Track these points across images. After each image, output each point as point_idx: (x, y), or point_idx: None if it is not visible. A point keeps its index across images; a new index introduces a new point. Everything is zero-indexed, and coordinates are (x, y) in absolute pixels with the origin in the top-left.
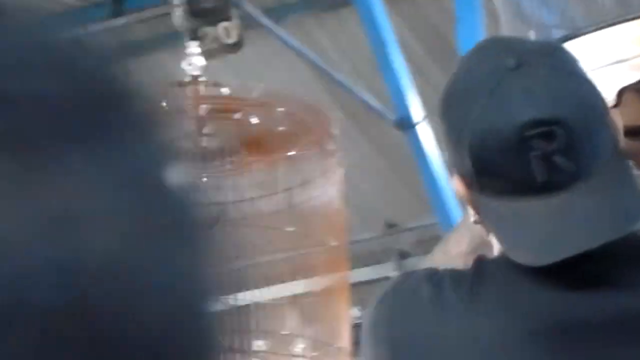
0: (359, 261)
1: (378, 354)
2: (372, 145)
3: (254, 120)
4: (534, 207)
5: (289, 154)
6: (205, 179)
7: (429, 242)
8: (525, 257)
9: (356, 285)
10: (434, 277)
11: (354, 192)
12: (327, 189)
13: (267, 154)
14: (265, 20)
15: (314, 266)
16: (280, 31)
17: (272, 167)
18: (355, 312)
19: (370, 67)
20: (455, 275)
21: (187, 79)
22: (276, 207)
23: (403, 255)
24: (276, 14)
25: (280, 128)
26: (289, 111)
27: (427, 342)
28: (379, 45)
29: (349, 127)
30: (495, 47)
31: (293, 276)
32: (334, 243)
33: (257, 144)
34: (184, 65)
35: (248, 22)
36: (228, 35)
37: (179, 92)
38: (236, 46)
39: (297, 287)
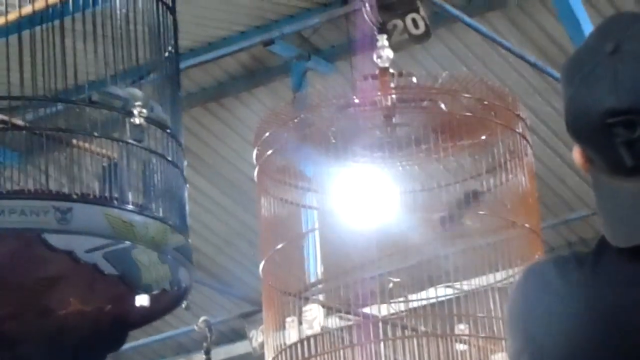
0: (565, 245)
1: (516, 339)
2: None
3: (443, 107)
4: (626, 188)
5: (479, 138)
6: (398, 168)
7: None
8: (616, 237)
9: None
10: (560, 259)
11: (570, 169)
12: (517, 171)
13: (457, 141)
14: (453, 10)
15: (509, 251)
16: (468, 19)
17: (462, 152)
18: None
19: (560, 51)
20: (578, 255)
21: (377, 71)
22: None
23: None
24: (462, 3)
25: (468, 113)
26: (477, 96)
27: (558, 319)
28: (574, 27)
29: (540, 109)
30: (607, 27)
31: (490, 262)
32: (527, 226)
33: (446, 130)
34: (374, 57)
35: (442, 15)
36: (416, 26)
37: (370, 84)
38: (424, 37)
39: (496, 273)
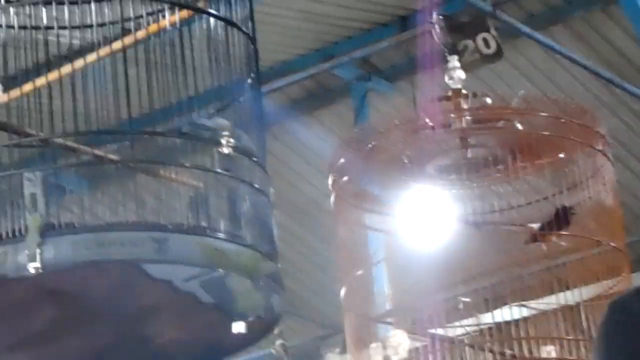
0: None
1: None
2: None
3: (519, 126)
4: None
5: (558, 157)
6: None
7: None
8: None
9: None
10: None
11: (622, 190)
12: (599, 188)
13: (535, 159)
14: (523, 27)
15: (593, 269)
16: (540, 36)
17: (541, 171)
18: None
19: (628, 63)
20: None
21: (449, 93)
22: (548, 212)
23: None
24: (533, 20)
25: (546, 132)
26: (554, 114)
27: None
28: None
29: (609, 124)
30: None
31: (575, 281)
32: (612, 244)
33: (523, 150)
34: (446, 79)
35: (506, 32)
36: (487, 45)
37: (443, 106)
38: (496, 56)
39: (581, 292)
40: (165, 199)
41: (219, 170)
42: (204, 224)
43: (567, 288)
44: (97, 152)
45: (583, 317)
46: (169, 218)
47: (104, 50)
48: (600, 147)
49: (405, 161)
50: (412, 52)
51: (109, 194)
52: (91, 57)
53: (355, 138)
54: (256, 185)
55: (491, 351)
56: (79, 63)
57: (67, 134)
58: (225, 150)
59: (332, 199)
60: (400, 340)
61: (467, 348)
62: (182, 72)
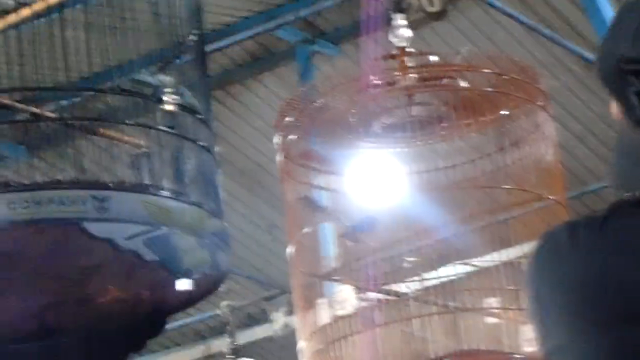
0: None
1: (529, 302)
2: (590, 95)
3: (463, 84)
4: (636, 139)
5: (500, 113)
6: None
7: None
8: (622, 186)
9: None
10: (571, 223)
11: (579, 142)
12: (540, 144)
13: (478, 116)
14: None
15: (535, 224)
16: None
17: (484, 129)
18: None
19: (583, 21)
20: (589, 218)
21: (394, 51)
22: (491, 168)
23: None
24: None
25: (489, 89)
26: (497, 71)
27: (568, 283)
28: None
29: (548, 84)
30: None
31: (517, 238)
32: (553, 198)
33: (467, 107)
34: (391, 37)
35: None
36: (431, 3)
37: (388, 64)
38: (441, 14)
39: (523, 248)
40: (106, 158)
41: (162, 128)
42: (147, 181)
43: (509, 245)
44: (35, 109)
45: (525, 270)
46: (111, 176)
47: (39, 5)
48: (541, 103)
49: (351, 120)
50: (357, 14)
51: (48, 154)
52: (25, 13)
53: (301, 97)
54: (201, 143)
55: (435, 304)
56: (12, 19)
57: (3, 90)
58: (169, 107)
59: (279, 158)
60: (346, 296)
61: (411, 302)
62: (123, 33)
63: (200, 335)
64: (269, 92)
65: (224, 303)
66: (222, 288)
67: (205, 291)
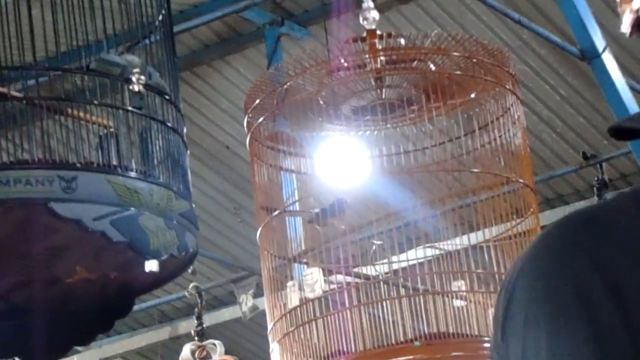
0: (559, 199)
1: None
2: (557, 79)
3: (432, 67)
4: None
5: (469, 97)
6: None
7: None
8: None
9: None
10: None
11: (546, 127)
12: (508, 127)
13: (447, 100)
14: None
15: (503, 207)
16: None
17: (453, 112)
18: None
19: (551, 5)
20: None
21: (364, 34)
22: (459, 152)
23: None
24: None
25: (458, 72)
26: (466, 55)
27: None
28: None
29: (528, 71)
30: None
31: (484, 221)
32: (521, 181)
33: (436, 90)
34: (360, 19)
35: None
36: None
37: (357, 47)
38: None
39: (491, 230)
40: (74, 138)
41: (129, 109)
42: (114, 162)
43: (477, 228)
44: (1, 89)
45: (492, 254)
46: (78, 157)
47: None
48: (509, 87)
49: (320, 102)
50: None
51: (15, 134)
52: None
53: (269, 79)
54: (169, 124)
55: (404, 287)
56: None
57: None
58: (136, 87)
59: (247, 140)
60: (315, 278)
61: (380, 284)
62: (90, 12)
63: (167, 316)
64: (237, 74)
65: (191, 285)
66: (190, 269)
67: (173, 272)
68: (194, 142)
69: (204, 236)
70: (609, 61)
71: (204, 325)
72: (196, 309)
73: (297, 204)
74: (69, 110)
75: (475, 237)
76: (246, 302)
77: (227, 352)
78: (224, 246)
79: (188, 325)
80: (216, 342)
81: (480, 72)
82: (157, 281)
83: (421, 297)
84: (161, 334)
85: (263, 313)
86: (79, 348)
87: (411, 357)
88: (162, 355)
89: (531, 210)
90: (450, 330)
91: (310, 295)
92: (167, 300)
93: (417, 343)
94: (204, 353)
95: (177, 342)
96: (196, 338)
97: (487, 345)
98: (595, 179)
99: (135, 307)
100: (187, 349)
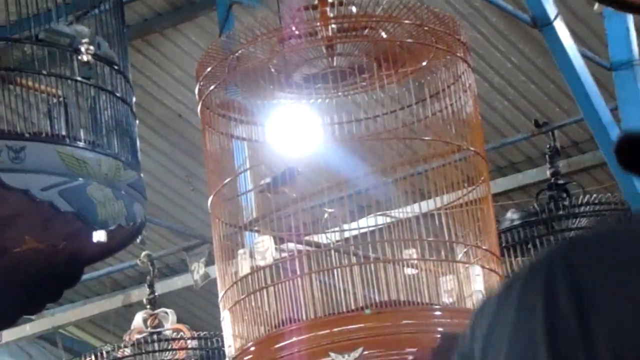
0: (511, 167)
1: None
2: (509, 46)
3: (384, 35)
4: None
5: (420, 65)
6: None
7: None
8: None
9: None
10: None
11: (498, 94)
12: (460, 96)
13: (399, 68)
14: None
15: (454, 176)
16: None
17: (404, 80)
18: (510, 215)
19: None
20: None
21: (315, 1)
22: (411, 120)
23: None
24: None
25: (409, 40)
26: (417, 22)
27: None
28: None
29: (480, 38)
30: None
31: (436, 189)
32: (472, 149)
33: (388, 59)
34: None
35: None
36: None
37: (309, 15)
38: None
39: (442, 199)
40: (22, 108)
41: (78, 79)
42: (63, 132)
43: (428, 196)
44: None
45: (444, 221)
46: (27, 127)
47: None
48: (461, 55)
49: (272, 70)
50: None
51: None
52: None
53: (221, 47)
54: (118, 94)
55: (355, 255)
56: None
57: None
58: (85, 57)
59: (199, 108)
60: (267, 246)
61: (332, 252)
62: None
63: (119, 285)
64: (189, 42)
65: (143, 253)
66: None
67: (121, 242)
68: (146, 111)
69: (156, 204)
70: (561, 28)
71: (156, 294)
72: (148, 277)
73: (248, 171)
74: (18, 80)
75: (427, 205)
76: (198, 270)
77: (179, 321)
78: (176, 214)
79: (140, 294)
80: (168, 310)
81: (431, 39)
82: (105, 251)
83: (372, 265)
84: (114, 302)
85: (215, 281)
86: (31, 317)
87: (362, 324)
88: (114, 323)
89: (482, 178)
90: (401, 298)
91: (262, 263)
92: (119, 269)
93: (367, 311)
94: (156, 321)
95: (129, 310)
96: (148, 306)
97: (437, 313)
98: (547, 146)
99: (88, 276)
100: (139, 317)
